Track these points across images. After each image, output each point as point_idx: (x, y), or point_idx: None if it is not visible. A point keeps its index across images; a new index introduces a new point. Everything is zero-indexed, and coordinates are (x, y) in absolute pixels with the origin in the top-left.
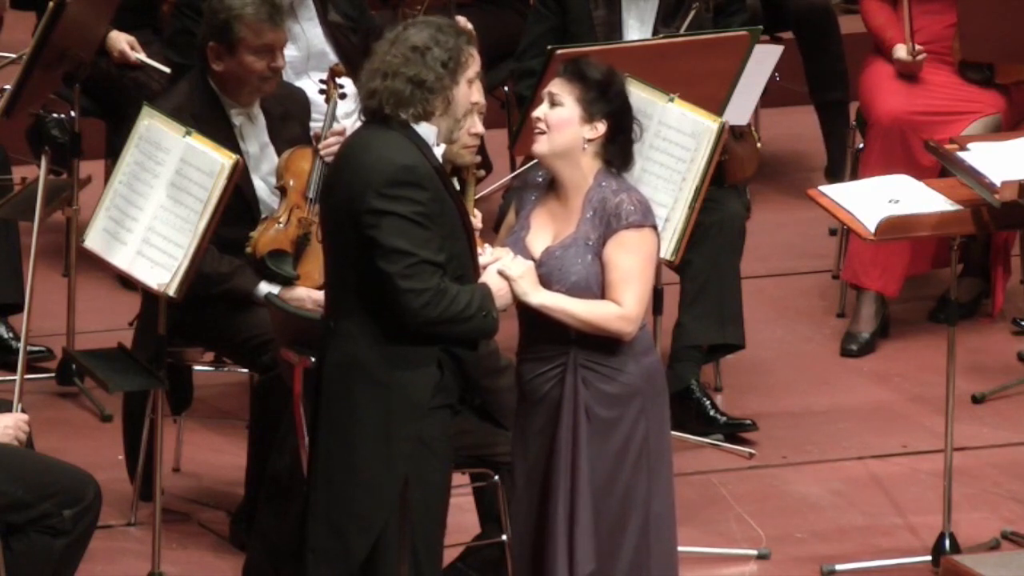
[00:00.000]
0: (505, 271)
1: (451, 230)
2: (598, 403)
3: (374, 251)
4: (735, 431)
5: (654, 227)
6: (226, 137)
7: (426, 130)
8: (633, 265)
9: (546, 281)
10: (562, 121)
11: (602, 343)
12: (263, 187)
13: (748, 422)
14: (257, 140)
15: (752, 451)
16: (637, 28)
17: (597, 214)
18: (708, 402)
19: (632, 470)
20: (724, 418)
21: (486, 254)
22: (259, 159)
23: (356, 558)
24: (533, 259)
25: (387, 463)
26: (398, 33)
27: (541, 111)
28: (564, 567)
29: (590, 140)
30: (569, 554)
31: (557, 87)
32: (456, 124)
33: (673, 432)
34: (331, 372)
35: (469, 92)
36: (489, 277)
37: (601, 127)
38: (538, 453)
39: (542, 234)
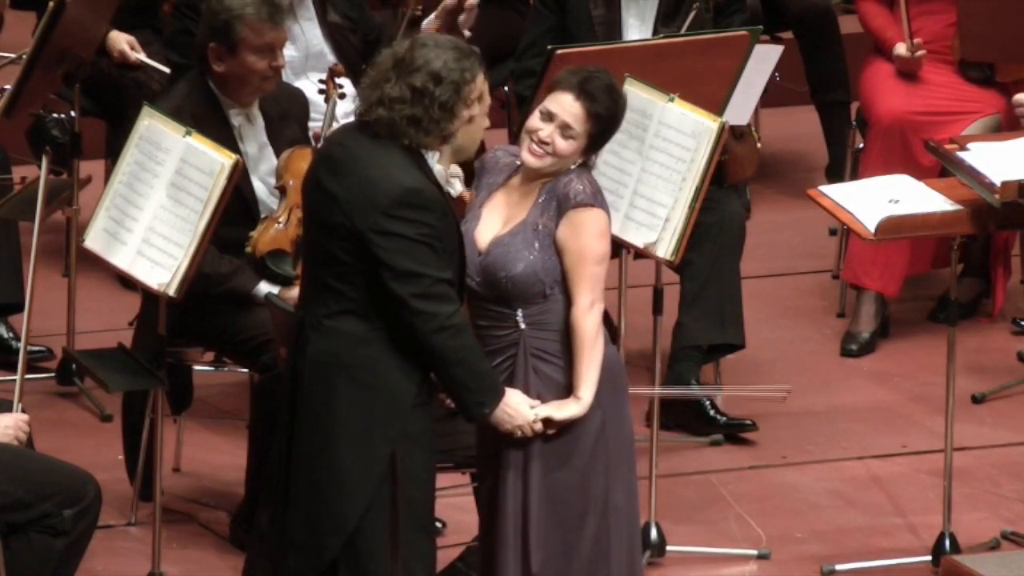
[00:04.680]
0: (552, 417)
1: (450, 242)
2: (550, 393)
3: (381, 271)
4: (735, 431)
5: (604, 207)
6: (225, 137)
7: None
8: (583, 247)
9: (492, 270)
10: (570, 153)
11: (552, 335)
12: (262, 187)
13: (748, 422)
14: (256, 140)
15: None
16: (637, 27)
17: (548, 198)
18: (708, 402)
19: (588, 461)
20: (724, 418)
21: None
22: (258, 159)
23: (328, 555)
24: (480, 251)
25: (365, 465)
26: (405, 54)
27: (549, 135)
28: (516, 563)
29: (582, 163)
30: (522, 550)
31: (573, 119)
32: (449, 138)
33: (673, 432)
34: (312, 369)
35: (469, 110)
36: (516, 396)
37: (593, 154)
38: (492, 448)
39: (492, 221)
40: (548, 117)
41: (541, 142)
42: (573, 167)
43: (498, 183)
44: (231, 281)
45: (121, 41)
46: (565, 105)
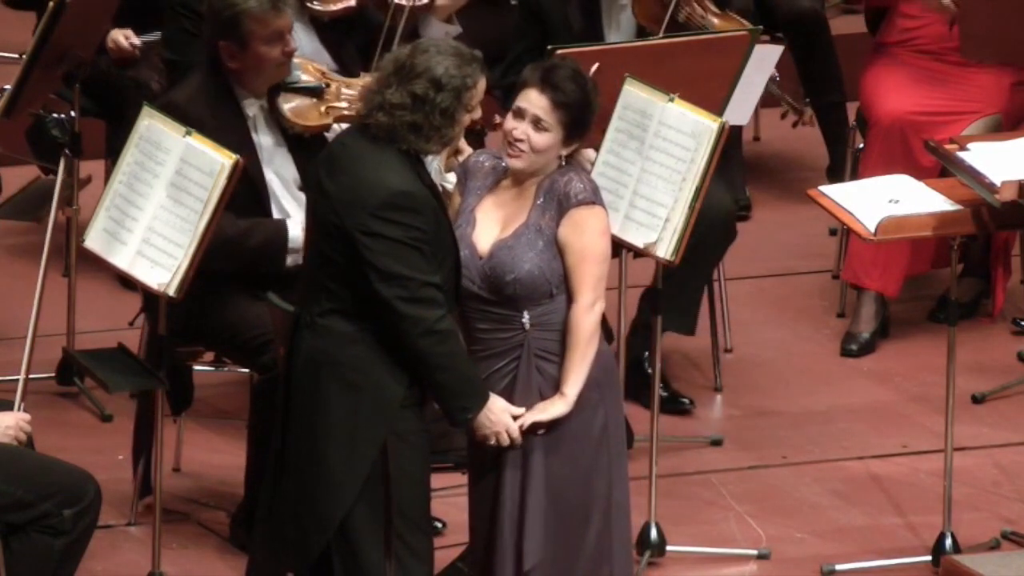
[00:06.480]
0: (539, 420)
1: (441, 247)
2: (553, 391)
3: (368, 272)
4: (674, 406)
5: (603, 205)
6: (239, 128)
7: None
8: (585, 245)
9: (497, 272)
10: (548, 146)
11: (555, 334)
12: (276, 180)
13: (685, 400)
14: (271, 133)
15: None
16: (617, 37)
17: (547, 198)
18: (650, 370)
19: (593, 457)
20: (666, 393)
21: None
22: (272, 152)
23: (314, 552)
24: (480, 256)
25: (350, 464)
26: (406, 59)
27: (523, 132)
28: (511, 558)
29: (564, 155)
30: (516, 545)
31: (542, 111)
32: (449, 142)
33: (672, 434)
34: (304, 367)
35: (470, 115)
36: (499, 403)
37: (575, 145)
38: (490, 447)
39: (489, 226)
40: (519, 114)
41: (517, 140)
42: (562, 163)
43: (486, 187)
44: (255, 234)
45: (116, 34)
46: (532, 99)
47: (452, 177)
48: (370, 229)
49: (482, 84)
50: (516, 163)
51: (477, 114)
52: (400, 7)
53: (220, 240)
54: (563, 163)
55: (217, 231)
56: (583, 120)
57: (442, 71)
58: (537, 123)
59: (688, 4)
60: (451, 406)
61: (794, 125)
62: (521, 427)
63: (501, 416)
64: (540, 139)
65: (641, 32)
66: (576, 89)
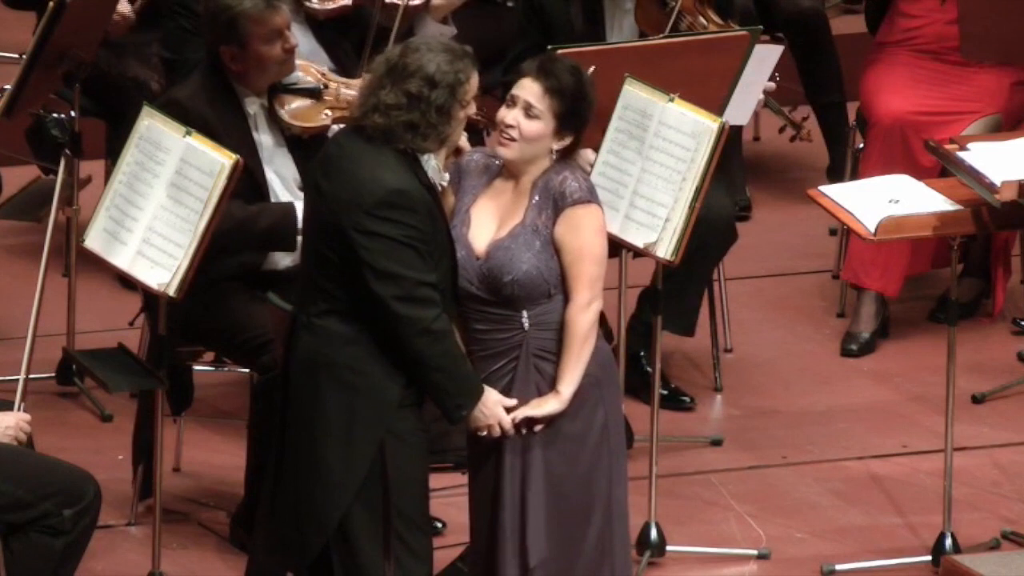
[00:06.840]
0: (533, 416)
1: (437, 246)
2: (551, 390)
3: (364, 271)
4: (675, 404)
5: (599, 203)
6: (240, 127)
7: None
8: (582, 244)
9: (496, 274)
10: (538, 135)
11: (553, 333)
12: (276, 180)
13: (686, 398)
14: (271, 132)
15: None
16: (619, 41)
17: (543, 197)
18: (650, 369)
19: (593, 456)
20: (666, 392)
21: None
22: (272, 151)
23: (312, 552)
24: (477, 256)
25: (348, 464)
26: (398, 59)
27: (514, 118)
28: (513, 557)
29: (557, 149)
30: (520, 543)
31: (534, 98)
32: (446, 140)
33: (672, 434)
34: (302, 368)
35: (465, 111)
36: (493, 396)
37: (569, 139)
38: (490, 445)
39: (486, 225)
40: (512, 102)
41: (507, 127)
42: (553, 157)
43: (481, 185)
44: (264, 217)
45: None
46: (525, 86)
47: (448, 176)
48: (366, 228)
49: (475, 79)
50: (505, 152)
51: (471, 110)
52: (395, 6)
53: (230, 223)
54: (554, 156)
55: (226, 215)
56: (576, 112)
57: (434, 68)
58: (528, 109)
59: (691, 13)
60: (447, 405)
61: (792, 139)
62: (514, 420)
63: (494, 409)
64: (530, 127)
65: (643, 37)
66: (571, 79)
